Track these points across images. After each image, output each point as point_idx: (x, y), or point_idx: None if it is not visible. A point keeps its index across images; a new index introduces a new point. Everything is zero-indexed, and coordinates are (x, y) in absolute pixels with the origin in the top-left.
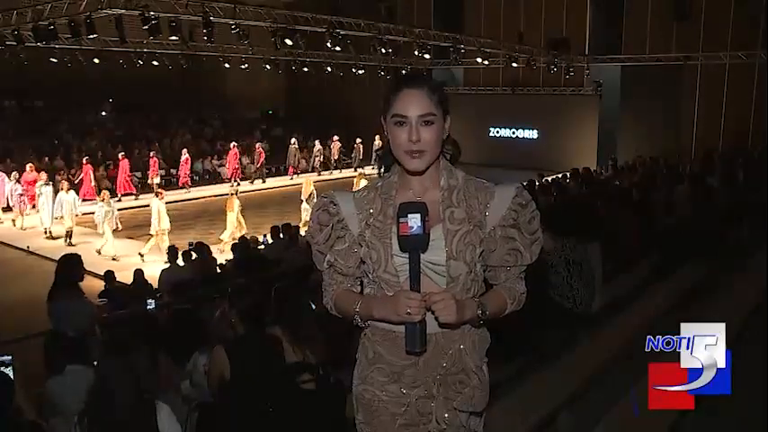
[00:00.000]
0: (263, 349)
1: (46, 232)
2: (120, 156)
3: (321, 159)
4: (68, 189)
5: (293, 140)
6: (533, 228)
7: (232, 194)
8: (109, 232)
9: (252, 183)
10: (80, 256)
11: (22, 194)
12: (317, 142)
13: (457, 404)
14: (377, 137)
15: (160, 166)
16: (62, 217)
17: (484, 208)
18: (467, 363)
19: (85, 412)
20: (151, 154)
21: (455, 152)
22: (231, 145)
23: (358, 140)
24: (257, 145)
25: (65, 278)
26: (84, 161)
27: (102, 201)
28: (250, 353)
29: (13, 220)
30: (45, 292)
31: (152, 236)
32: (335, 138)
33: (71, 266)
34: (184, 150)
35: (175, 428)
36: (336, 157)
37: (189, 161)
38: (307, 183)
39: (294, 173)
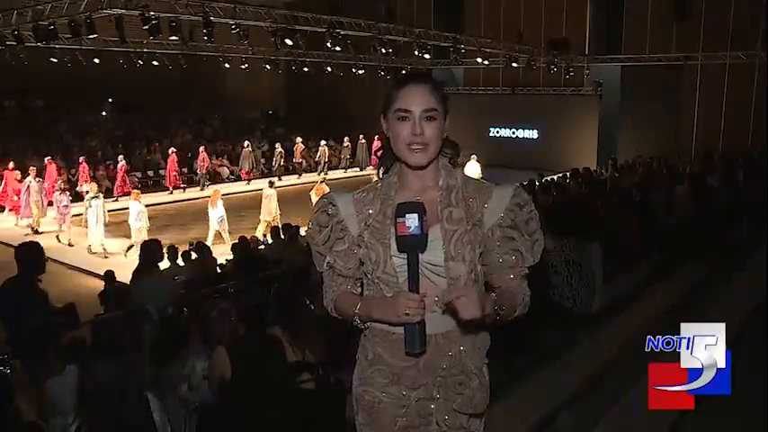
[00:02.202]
0: (264, 350)
1: (90, 250)
2: (46, 160)
3: (282, 163)
4: (138, 197)
5: (246, 143)
6: (532, 228)
7: (321, 182)
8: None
9: (202, 189)
10: (159, 242)
11: (67, 206)
12: (277, 145)
13: (457, 406)
14: (346, 138)
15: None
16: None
17: (482, 207)
18: (467, 364)
19: (79, 411)
20: (80, 159)
21: (454, 154)
22: (170, 151)
23: (322, 143)
24: (201, 149)
25: (147, 261)
26: (119, 159)
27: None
28: (252, 353)
29: (58, 236)
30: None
31: (261, 221)
32: (299, 140)
33: (153, 251)
34: (120, 157)
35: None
36: (300, 161)
37: (124, 168)
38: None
39: (249, 177)
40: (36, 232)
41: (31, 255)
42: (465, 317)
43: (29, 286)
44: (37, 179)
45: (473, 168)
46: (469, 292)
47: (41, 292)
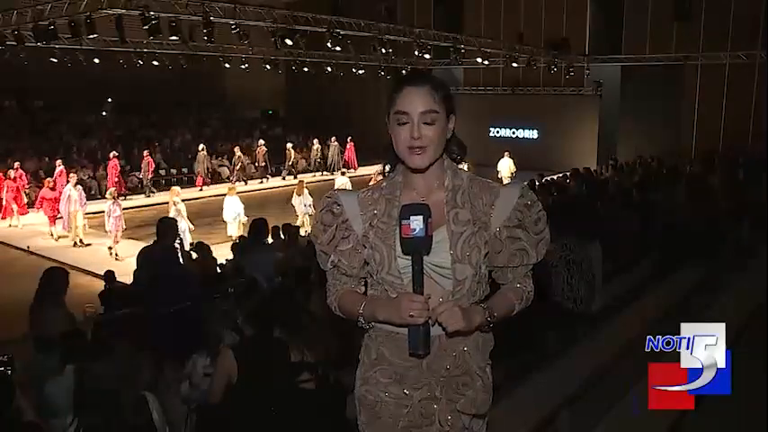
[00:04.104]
0: (271, 352)
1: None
2: (112, 155)
3: (241, 167)
4: (234, 192)
5: (201, 147)
6: (539, 228)
7: (378, 174)
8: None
9: (148, 196)
10: (266, 220)
11: (119, 216)
12: (236, 149)
13: (460, 406)
14: (315, 140)
15: (159, 167)
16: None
17: (488, 208)
18: (470, 365)
19: (77, 411)
20: (15, 165)
21: (460, 153)
22: (111, 155)
23: (289, 145)
24: (145, 153)
25: (256, 238)
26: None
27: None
28: (258, 355)
29: (110, 248)
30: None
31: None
32: (261, 142)
33: (261, 228)
34: (58, 162)
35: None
36: (263, 164)
37: (64, 173)
38: None
39: (203, 183)
40: (78, 244)
41: (167, 227)
42: (449, 329)
43: (163, 251)
44: (77, 187)
45: (506, 165)
46: (449, 306)
47: (174, 252)
